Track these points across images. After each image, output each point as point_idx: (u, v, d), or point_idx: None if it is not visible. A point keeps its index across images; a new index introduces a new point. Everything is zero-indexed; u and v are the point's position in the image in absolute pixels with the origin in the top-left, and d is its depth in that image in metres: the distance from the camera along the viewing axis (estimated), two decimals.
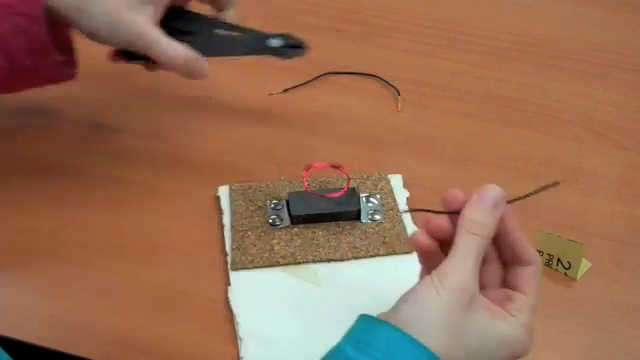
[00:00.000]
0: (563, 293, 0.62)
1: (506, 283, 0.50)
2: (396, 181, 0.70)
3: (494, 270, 0.50)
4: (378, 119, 0.79)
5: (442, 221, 0.49)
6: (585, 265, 0.63)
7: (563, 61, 0.88)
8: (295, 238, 0.64)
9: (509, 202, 0.49)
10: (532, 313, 0.47)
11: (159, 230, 0.66)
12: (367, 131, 0.78)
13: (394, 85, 0.82)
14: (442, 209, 0.50)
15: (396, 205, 0.67)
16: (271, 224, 0.65)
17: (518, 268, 0.49)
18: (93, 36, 0.62)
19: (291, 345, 0.57)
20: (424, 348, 0.43)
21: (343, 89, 0.83)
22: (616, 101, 0.82)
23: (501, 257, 0.50)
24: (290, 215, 0.66)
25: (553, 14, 0.96)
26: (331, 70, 0.84)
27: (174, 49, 0.63)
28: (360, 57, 0.87)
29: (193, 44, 0.65)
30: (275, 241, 0.64)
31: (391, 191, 0.69)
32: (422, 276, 0.50)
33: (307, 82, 0.83)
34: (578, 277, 0.63)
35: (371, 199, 0.68)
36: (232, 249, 0.63)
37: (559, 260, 0.63)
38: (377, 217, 0.66)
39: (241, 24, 0.70)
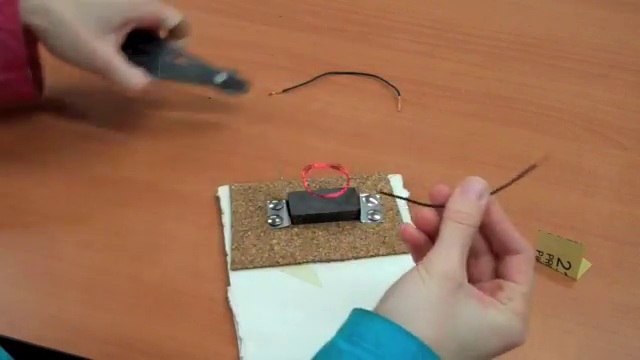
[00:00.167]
0: (563, 293, 0.62)
1: (498, 274, 0.50)
2: (396, 181, 0.70)
3: (486, 263, 0.50)
4: (378, 119, 0.79)
5: (429, 214, 0.49)
6: (585, 265, 0.63)
7: (563, 61, 0.88)
8: (295, 238, 0.64)
9: (493, 193, 0.49)
10: (525, 301, 0.47)
11: (159, 230, 0.66)
12: (367, 131, 0.78)
13: (394, 85, 0.82)
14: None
15: (396, 205, 0.67)
16: (271, 224, 0.65)
17: (508, 258, 0.49)
18: (60, 57, 0.67)
19: (291, 345, 0.57)
20: (413, 337, 0.43)
21: (343, 89, 0.83)
22: (616, 101, 0.82)
23: (492, 250, 0.51)
24: (290, 215, 0.66)
25: (553, 14, 0.96)
26: (331, 70, 0.84)
27: (134, 76, 0.69)
28: (360, 57, 0.87)
29: (147, 65, 0.71)
30: (275, 241, 0.64)
31: (391, 191, 0.69)
32: None
33: (307, 82, 0.83)
34: (578, 277, 0.63)
35: (371, 199, 0.68)
36: (232, 249, 0.64)
37: (559, 260, 0.63)
38: (377, 217, 0.66)
39: (195, 55, 0.75)
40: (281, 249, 0.63)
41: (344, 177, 0.66)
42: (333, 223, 0.66)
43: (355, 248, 0.64)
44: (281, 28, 0.91)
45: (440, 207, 0.48)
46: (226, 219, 0.66)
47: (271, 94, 0.81)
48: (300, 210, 0.65)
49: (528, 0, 0.98)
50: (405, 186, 0.70)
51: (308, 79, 0.83)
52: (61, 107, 0.79)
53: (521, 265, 0.48)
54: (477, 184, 0.48)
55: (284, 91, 0.82)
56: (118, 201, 0.69)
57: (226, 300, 0.60)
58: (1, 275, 0.63)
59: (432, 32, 0.92)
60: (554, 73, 0.86)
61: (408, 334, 0.43)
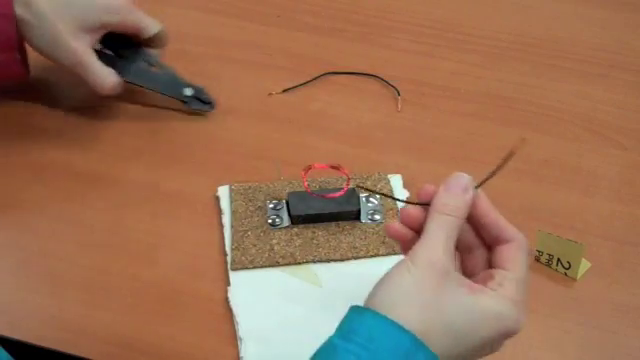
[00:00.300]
0: (563, 293, 0.62)
1: (490, 265, 0.50)
2: (396, 181, 0.70)
3: (480, 257, 0.50)
4: (378, 119, 0.79)
5: (414, 211, 0.50)
6: (585, 265, 0.63)
7: (563, 61, 0.88)
8: (295, 238, 0.64)
9: (477, 187, 0.49)
10: (517, 286, 0.47)
11: (159, 230, 0.66)
12: (367, 131, 0.78)
13: (394, 85, 0.82)
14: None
15: (396, 205, 0.67)
16: (271, 224, 0.65)
17: (499, 248, 0.49)
18: (38, 49, 0.70)
19: (291, 345, 0.57)
20: (406, 331, 0.43)
21: (343, 89, 0.83)
22: (616, 101, 0.82)
23: (484, 243, 0.51)
24: (290, 215, 0.66)
25: (553, 14, 0.96)
26: (331, 70, 0.84)
27: (106, 76, 0.72)
28: (360, 57, 0.87)
29: (121, 67, 0.74)
30: (275, 241, 0.64)
31: (391, 191, 0.69)
32: None
33: (307, 82, 0.83)
34: (578, 277, 0.63)
35: (371, 199, 0.68)
36: (232, 249, 0.64)
37: (559, 260, 0.63)
38: (377, 217, 0.66)
39: (169, 66, 0.78)
40: (281, 249, 0.63)
41: (344, 177, 0.66)
42: (333, 223, 0.66)
43: (355, 248, 0.64)
44: (280, 28, 0.91)
45: (427, 205, 0.49)
46: (226, 219, 0.66)
47: (271, 94, 0.81)
48: (300, 210, 0.65)
49: (528, 0, 0.98)
50: (405, 186, 0.70)
51: (308, 79, 0.83)
52: (60, 107, 0.79)
53: (511, 252, 0.48)
54: (461, 179, 0.49)
55: (284, 91, 0.82)
56: (118, 201, 0.69)
57: (226, 300, 0.60)
58: (1, 275, 0.63)
59: (432, 32, 0.92)
60: (554, 73, 0.86)
61: (400, 328, 0.43)
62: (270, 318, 0.59)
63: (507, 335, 0.46)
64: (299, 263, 0.63)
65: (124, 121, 0.78)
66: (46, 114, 0.78)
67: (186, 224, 0.67)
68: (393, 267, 0.47)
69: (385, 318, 0.43)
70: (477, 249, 0.51)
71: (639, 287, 0.63)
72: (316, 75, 0.83)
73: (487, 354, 0.48)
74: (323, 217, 0.65)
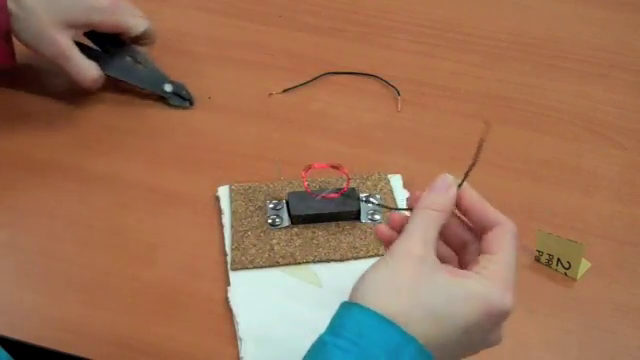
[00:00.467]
0: (563, 293, 0.62)
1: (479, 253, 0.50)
2: (396, 181, 0.70)
3: (475, 252, 0.50)
4: (378, 119, 0.79)
5: (400, 216, 0.50)
6: (585, 265, 0.63)
7: (563, 61, 0.88)
8: (295, 238, 0.64)
9: (460, 185, 0.50)
10: (501, 268, 0.46)
11: (159, 230, 0.66)
12: (367, 131, 0.78)
13: (394, 85, 0.82)
14: None
15: (396, 205, 0.67)
16: (271, 224, 0.65)
17: (485, 235, 0.49)
18: (24, 41, 0.73)
19: (291, 345, 0.57)
20: (395, 326, 0.43)
21: (343, 89, 0.83)
22: (616, 101, 0.82)
23: (478, 237, 0.51)
24: (290, 215, 0.66)
25: (553, 14, 0.96)
26: (331, 70, 0.84)
27: (87, 69, 0.75)
28: (360, 57, 0.87)
29: (103, 61, 0.77)
30: (275, 241, 0.64)
31: (391, 191, 0.69)
32: None
33: (307, 82, 0.83)
34: (578, 277, 0.63)
35: (371, 199, 0.68)
36: (232, 249, 0.64)
37: (559, 260, 0.63)
38: (377, 217, 0.66)
39: (152, 62, 0.80)
40: (281, 249, 0.63)
41: (344, 177, 0.66)
42: (333, 223, 0.66)
43: (355, 248, 0.64)
44: (281, 28, 0.91)
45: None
46: (226, 219, 0.66)
47: (271, 94, 0.81)
48: (300, 210, 0.65)
49: (528, 0, 0.98)
50: (405, 186, 0.70)
51: (308, 79, 0.83)
52: (60, 107, 0.79)
53: (496, 236, 0.48)
54: (444, 178, 0.50)
55: (284, 91, 0.82)
56: (118, 201, 0.69)
57: (226, 300, 0.60)
58: (1, 275, 0.63)
59: (432, 32, 0.92)
60: (554, 73, 0.86)
61: (389, 322, 0.43)
62: (270, 318, 0.59)
63: (494, 316, 0.45)
64: (299, 263, 0.63)
65: (124, 121, 0.78)
66: (46, 113, 0.78)
67: (186, 224, 0.67)
68: (374, 262, 0.47)
69: (373, 312, 0.43)
70: (472, 244, 0.51)
71: (639, 287, 0.63)
72: (316, 75, 0.83)
73: (484, 344, 0.47)
74: (323, 217, 0.65)
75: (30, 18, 0.70)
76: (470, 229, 0.51)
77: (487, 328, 0.46)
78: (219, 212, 0.67)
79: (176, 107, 0.79)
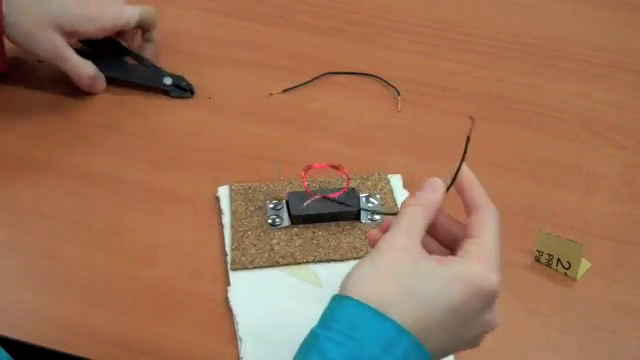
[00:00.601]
0: (563, 293, 0.62)
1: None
2: (396, 181, 0.70)
3: None
4: (378, 119, 0.79)
5: (391, 220, 0.50)
6: (585, 265, 0.63)
7: (563, 61, 0.88)
8: (295, 238, 0.64)
9: (449, 188, 0.50)
10: (483, 248, 0.47)
11: (159, 230, 0.66)
12: (367, 131, 0.78)
13: (394, 85, 0.82)
14: None
15: (396, 205, 0.67)
16: (271, 224, 0.65)
17: (469, 218, 0.49)
18: (17, 44, 0.74)
19: (291, 345, 0.57)
20: (389, 320, 0.43)
21: (343, 89, 0.83)
22: (616, 101, 0.82)
23: None
24: (290, 215, 0.66)
25: (553, 14, 0.96)
26: (331, 70, 0.84)
27: (83, 67, 0.76)
28: (360, 57, 0.87)
29: (100, 63, 0.78)
30: (275, 241, 0.64)
31: (391, 191, 0.69)
32: None
33: (307, 82, 0.83)
34: (578, 277, 0.63)
35: (371, 199, 0.68)
36: (232, 249, 0.64)
37: (559, 260, 0.63)
38: (377, 217, 0.66)
39: (149, 59, 0.81)
40: (281, 249, 0.63)
41: (344, 177, 0.66)
42: (333, 223, 0.66)
43: (355, 248, 0.64)
44: (281, 28, 0.91)
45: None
46: (226, 219, 0.66)
47: (271, 94, 0.81)
48: (300, 210, 0.65)
49: (528, 0, 0.98)
50: (405, 186, 0.70)
51: (308, 79, 0.83)
52: (60, 107, 0.79)
53: (480, 220, 0.48)
54: (430, 183, 0.50)
55: (284, 91, 0.82)
56: (118, 201, 0.69)
57: (226, 300, 0.60)
58: (1, 275, 0.63)
59: (432, 32, 0.92)
60: (554, 73, 0.86)
61: (382, 315, 0.43)
62: (270, 318, 0.59)
63: (481, 296, 0.45)
64: (299, 263, 0.63)
65: (124, 122, 0.78)
66: (46, 114, 0.78)
67: (186, 224, 0.67)
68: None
69: (366, 306, 0.44)
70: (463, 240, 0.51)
71: (639, 287, 0.63)
72: (316, 75, 0.83)
73: (480, 327, 0.47)
74: (323, 217, 0.65)
75: (23, 19, 0.71)
76: (462, 226, 0.50)
77: (477, 308, 0.46)
78: (219, 212, 0.67)
79: (178, 98, 0.80)
